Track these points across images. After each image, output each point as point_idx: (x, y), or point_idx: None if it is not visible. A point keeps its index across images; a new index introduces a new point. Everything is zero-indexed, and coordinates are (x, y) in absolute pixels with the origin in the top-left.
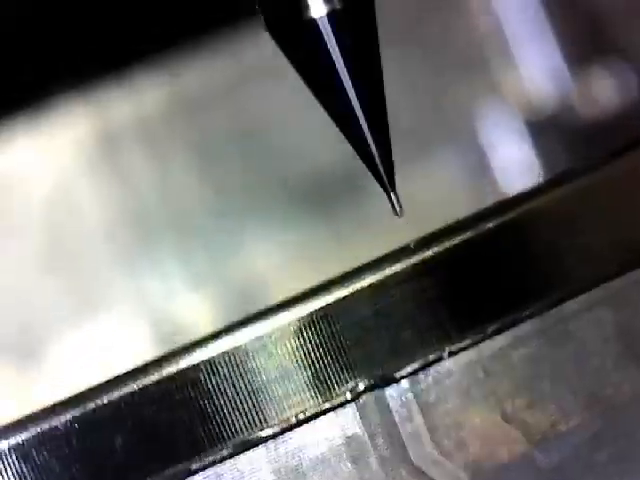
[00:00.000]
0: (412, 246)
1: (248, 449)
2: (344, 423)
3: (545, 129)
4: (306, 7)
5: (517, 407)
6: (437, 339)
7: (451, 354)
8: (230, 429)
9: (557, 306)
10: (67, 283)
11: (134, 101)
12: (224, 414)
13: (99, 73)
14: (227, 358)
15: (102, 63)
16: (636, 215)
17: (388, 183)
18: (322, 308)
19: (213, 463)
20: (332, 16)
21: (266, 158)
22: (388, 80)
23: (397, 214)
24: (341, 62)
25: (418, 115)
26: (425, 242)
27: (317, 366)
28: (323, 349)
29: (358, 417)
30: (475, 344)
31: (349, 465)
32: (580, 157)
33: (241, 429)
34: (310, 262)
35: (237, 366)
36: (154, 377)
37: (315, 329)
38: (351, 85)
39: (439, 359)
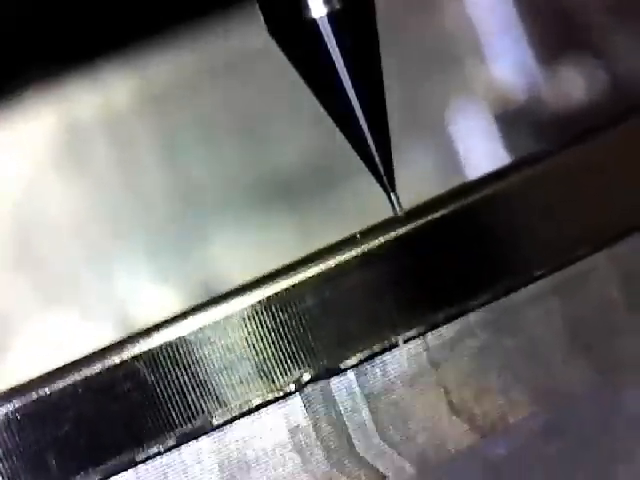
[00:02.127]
0: (358, 236)
1: (193, 440)
2: (289, 414)
3: (515, 123)
4: (306, 7)
5: (465, 398)
6: (383, 329)
7: (398, 344)
8: (175, 420)
9: (506, 296)
10: (33, 276)
11: (101, 95)
12: (169, 405)
13: (66, 67)
14: (171, 349)
15: (69, 57)
16: (585, 206)
17: (388, 183)
18: (266, 299)
19: (158, 454)
20: (332, 16)
21: (233, 152)
22: None
23: (397, 214)
24: (341, 62)
25: (389, 110)
26: (371, 232)
27: (261, 357)
28: (267, 340)
29: (303, 408)
30: (422, 334)
31: (294, 456)
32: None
33: (186, 420)
34: (276, 257)
35: (181, 357)
36: (97, 368)
37: (259, 320)
38: (351, 85)
39: (385, 349)
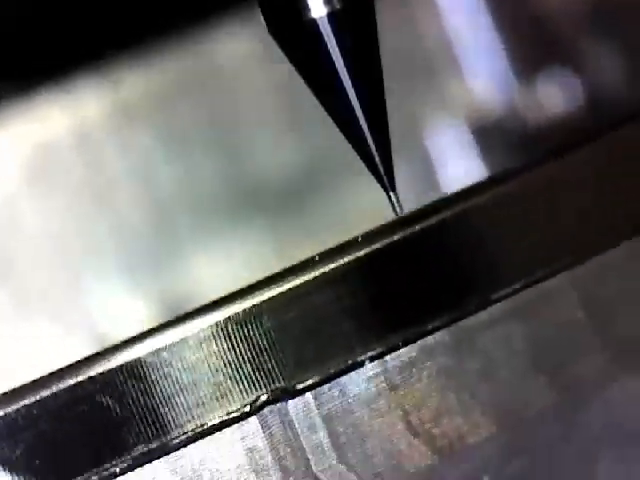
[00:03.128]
0: (316, 258)
1: (149, 461)
2: (246, 435)
3: (492, 138)
4: (306, 7)
5: (423, 419)
6: (342, 351)
7: (356, 365)
8: (131, 441)
9: (465, 318)
10: (6, 290)
11: (74, 110)
12: (125, 426)
13: (37, 83)
14: (128, 371)
15: (40, 72)
16: (545, 227)
17: (388, 183)
18: (224, 320)
19: (114, 475)
20: (332, 16)
21: (209, 166)
22: None
23: (397, 214)
24: (341, 62)
25: None
26: (330, 254)
27: (219, 378)
28: (224, 361)
29: (260, 429)
30: (380, 356)
31: (251, 477)
32: None
33: (142, 441)
34: (250, 271)
35: (138, 379)
36: (54, 389)
37: (216, 341)
38: (351, 85)
39: (344, 371)
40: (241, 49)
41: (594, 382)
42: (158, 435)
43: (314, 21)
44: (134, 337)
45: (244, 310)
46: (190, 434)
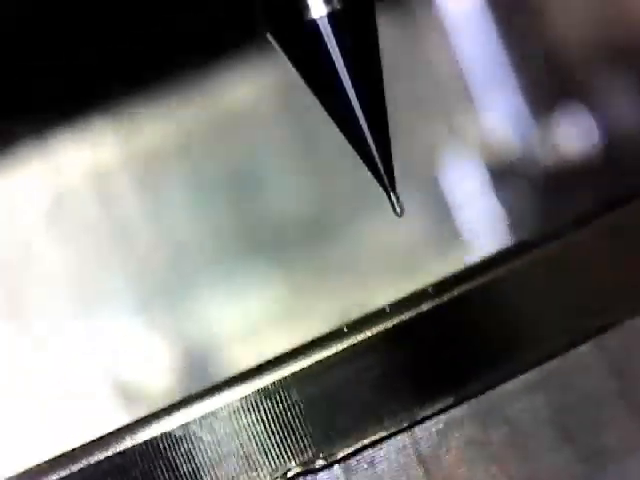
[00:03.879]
0: (345, 329)
1: None
2: None
3: (507, 176)
4: (306, 8)
5: None
6: (371, 423)
7: (384, 438)
8: None
9: (492, 389)
10: (22, 328)
11: (90, 151)
12: None
13: (55, 126)
14: (156, 445)
15: (56, 112)
16: (570, 296)
17: (388, 183)
18: (253, 393)
19: None
20: (332, 17)
21: (226, 208)
22: None
23: (397, 214)
24: (341, 62)
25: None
26: (357, 325)
27: (247, 451)
28: (253, 434)
29: None
30: (409, 428)
31: None
32: (540, 208)
33: None
34: (265, 310)
35: (166, 453)
36: (81, 464)
37: (245, 414)
38: (351, 85)
39: (373, 443)
40: (256, 93)
41: (618, 453)
42: None
43: (314, 21)
44: (163, 409)
45: (273, 383)
46: None
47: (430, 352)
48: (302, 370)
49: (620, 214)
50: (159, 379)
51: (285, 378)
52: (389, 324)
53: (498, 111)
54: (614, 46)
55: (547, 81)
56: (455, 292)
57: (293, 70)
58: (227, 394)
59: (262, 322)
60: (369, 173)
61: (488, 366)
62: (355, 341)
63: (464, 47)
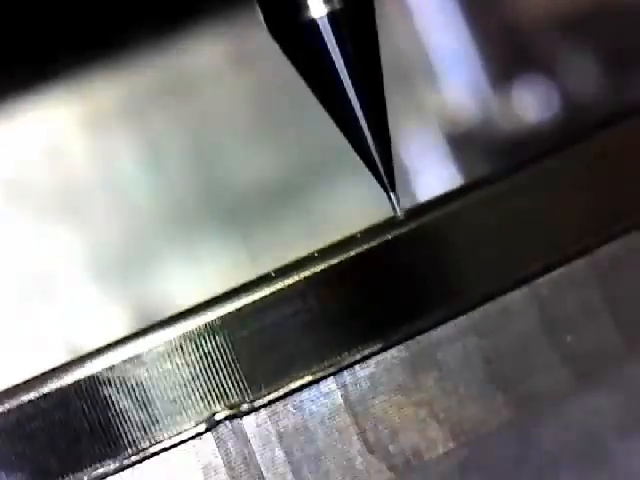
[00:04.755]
0: (273, 274)
1: (104, 478)
2: (201, 453)
3: (466, 144)
4: (306, 7)
5: (380, 436)
6: (298, 368)
7: (312, 382)
8: (85, 458)
9: (422, 334)
10: None
11: (45, 120)
12: (79, 444)
13: (8, 92)
14: (79, 387)
15: (10, 82)
16: (501, 243)
17: (388, 183)
18: (178, 337)
19: None
20: (332, 16)
21: (182, 175)
22: (309, 100)
23: (397, 214)
24: (341, 62)
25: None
26: (285, 270)
27: (173, 395)
28: (179, 378)
29: (215, 447)
30: (337, 372)
31: None
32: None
33: (97, 458)
34: (222, 280)
35: (90, 395)
36: (5, 407)
37: (170, 359)
38: (351, 85)
39: (299, 388)
40: (213, 58)
41: (551, 397)
42: (112, 453)
43: (314, 21)
44: (88, 354)
45: (198, 327)
46: (145, 451)
47: (359, 297)
48: (229, 314)
49: (556, 160)
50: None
51: (211, 322)
52: (317, 269)
53: (458, 81)
54: (569, 17)
55: (505, 52)
56: (384, 237)
57: (249, 37)
58: (153, 337)
59: (220, 289)
60: (325, 141)
61: (418, 311)
62: (282, 285)
63: (424, 20)
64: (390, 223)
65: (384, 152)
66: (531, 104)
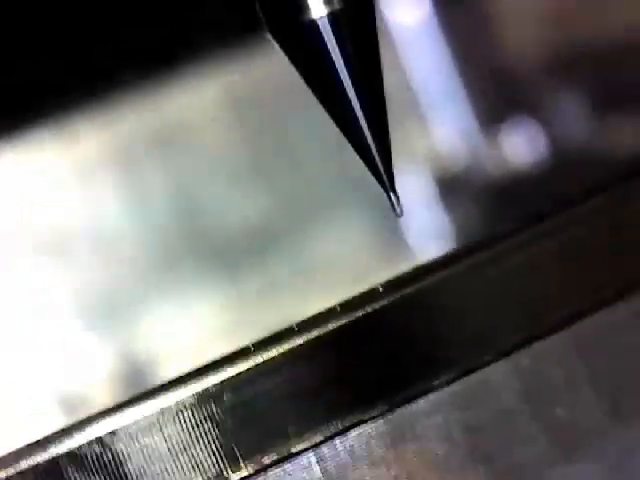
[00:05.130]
0: (252, 347)
1: None
2: None
3: (456, 189)
4: (306, 8)
5: None
6: (276, 441)
7: (291, 456)
8: None
9: (403, 406)
10: None
11: (34, 163)
12: None
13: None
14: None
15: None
16: (483, 316)
17: (388, 183)
18: (154, 414)
19: None
20: (332, 17)
21: (171, 221)
22: (296, 141)
23: (397, 214)
24: (341, 62)
25: (327, 175)
26: (266, 342)
27: (149, 471)
28: (156, 453)
29: None
30: (316, 446)
31: None
32: (490, 217)
33: None
34: (207, 328)
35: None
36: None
37: (150, 434)
38: (351, 85)
39: (278, 461)
40: (199, 104)
41: (533, 469)
42: None
43: (314, 22)
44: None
45: (176, 402)
46: None
47: (339, 370)
48: (205, 390)
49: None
50: (101, 389)
51: (188, 397)
52: (295, 342)
53: (446, 123)
54: (559, 61)
55: (494, 94)
56: (365, 310)
57: (235, 83)
58: (132, 412)
59: (208, 332)
60: (313, 184)
61: (398, 383)
62: (261, 359)
63: (413, 60)
64: (369, 294)
65: (384, 152)
66: (520, 148)
